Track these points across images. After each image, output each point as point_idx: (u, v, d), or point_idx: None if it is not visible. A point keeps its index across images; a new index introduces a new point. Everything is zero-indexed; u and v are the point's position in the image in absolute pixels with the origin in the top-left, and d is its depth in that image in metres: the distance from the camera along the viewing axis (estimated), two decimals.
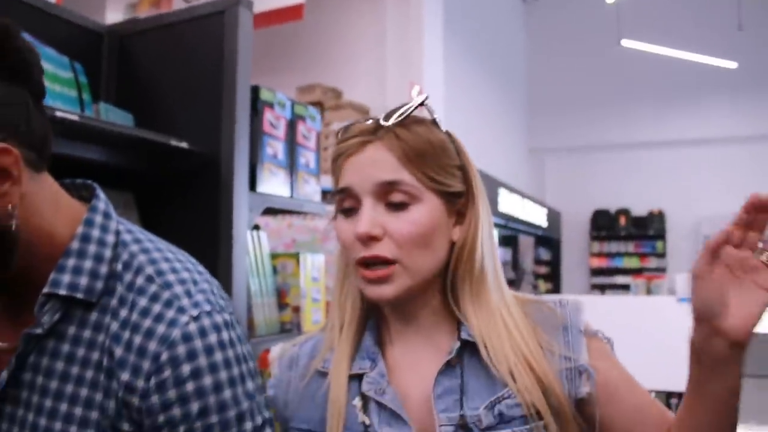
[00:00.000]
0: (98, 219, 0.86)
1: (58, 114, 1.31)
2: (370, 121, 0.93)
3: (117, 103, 1.75)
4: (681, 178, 11.52)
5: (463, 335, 0.91)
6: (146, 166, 1.69)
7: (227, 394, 0.80)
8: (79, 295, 0.81)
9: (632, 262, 11.99)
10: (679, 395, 5.90)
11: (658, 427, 0.91)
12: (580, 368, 0.91)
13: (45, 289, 0.80)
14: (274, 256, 1.89)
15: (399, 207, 0.89)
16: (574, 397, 0.91)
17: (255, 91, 1.78)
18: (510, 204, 8.32)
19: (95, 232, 0.85)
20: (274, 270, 1.87)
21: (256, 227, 1.89)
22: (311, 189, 1.99)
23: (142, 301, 0.81)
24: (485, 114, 8.53)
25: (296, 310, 1.85)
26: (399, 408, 0.89)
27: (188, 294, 0.83)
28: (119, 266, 0.84)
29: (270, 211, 1.99)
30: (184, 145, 1.61)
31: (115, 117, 1.65)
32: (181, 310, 0.80)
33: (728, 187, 11.18)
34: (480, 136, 7.85)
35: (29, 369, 0.81)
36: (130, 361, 0.78)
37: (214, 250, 1.60)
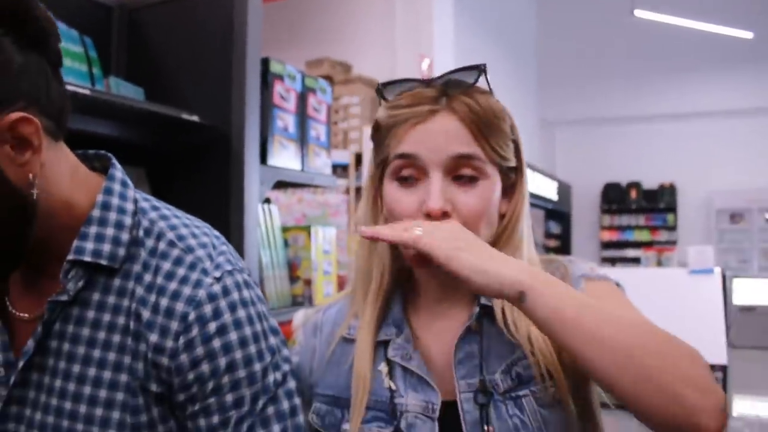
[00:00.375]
0: (117, 187, 0.87)
1: (69, 88, 1.30)
2: (425, 87, 0.90)
3: (127, 77, 1.75)
4: (692, 151, 11.42)
5: (482, 300, 0.91)
6: (157, 140, 1.69)
7: (252, 348, 0.83)
8: (103, 262, 0.82)
9: (643, 235, 11.94)
10: None
11: None
12: None
13: (69, 257, 0.81)
14: (285, 229, 1.90)
15: (468, 181, 0.87)
16: None
17: (265, 63, 1.77)
18: None
19: (115, 200, 0.86)
20: (286, 243, 1.88)
21: (267, 200, 1.90)
22: (322, 162, 2.00)
23: (166, 265, 0.84)
24: (495, 86, 8.39)
25: (308, 283, 1.86)
26: (425, 373, 0.90)
27: (210, 257, 0.85)
28: (140, 233, 0.86)
29: (280, 185, 1.99)
30: (195, 118, 1.61)
31: (125, 91, 1.65)
32: (205, 272, 0.83)
33: (740, 160, 11.08)
34: None
35: (55, 336, 0.83)
36: (158, 323, 0.81)
37: (225, 223, 1.61)
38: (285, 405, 0.86)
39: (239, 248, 1.60)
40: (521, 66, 10.40)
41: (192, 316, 0.80)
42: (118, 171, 0.89)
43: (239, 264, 0.88)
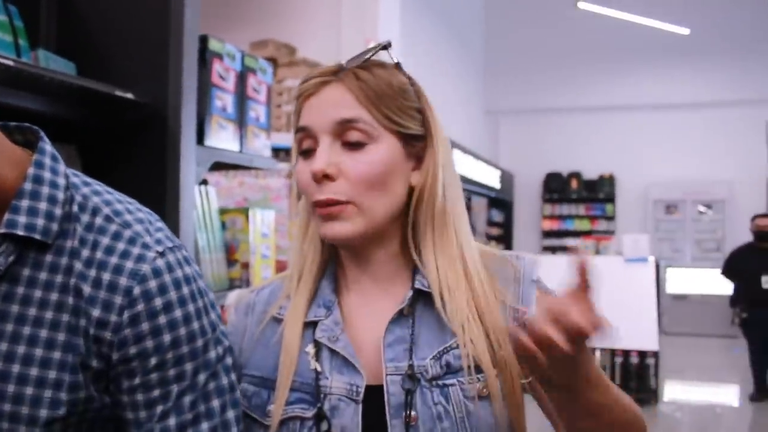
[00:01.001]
0: (48, 161, 0.84)
1: None
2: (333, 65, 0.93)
3: (57, 51, 1.68)
4: (632, 143, 11.72)
5: (417, 284, 0.91)
6: (90, 117, 1.63)
7: (195, 325, 0.83)
8: (37, 236, 0.79)
9: (583, 225, 12.22)
10: (624, 353, 6.05)
11: None
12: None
13: (1, 230, 0.78)
14: (223, 212, 1.86)
15: (355, 146, 0.89)
16: None
17: (203, 41, 1.72)
18: (463, 165, 8.36)
19: (47, 174, 0.83)
20: (223, 226, 1.85)
21: (204, 182, 1.86)
22: (261, 144, 1.96)
23: (105, 240, 0.82)
24: (441, 74, 8.49)
25: (245, 266, 1.83)
26: (351, 355, 0.89)
27: (148, 232, 0.84)
28: (75, 208, 0.83)
29: (220, 167, 1.95)
30: (129, 95, 1.56)
31: (55, 65, 1.58)
32: (146, 246, 0.82)
33: (676, 153, 11.43)
34: (436, 96, 7.72)
35: None
36: (100, 298, 0.79)
37: (160, 204, 1.56)
38: (224, 380, 0.86)
39: (175, 230, 1.56)
40: (468, 55, 10.47)
41: (137, 290, 0.79)
42: (48, 145, 0.85)
43: (177, 241, 0.87)
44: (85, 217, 0.83)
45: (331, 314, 0.93)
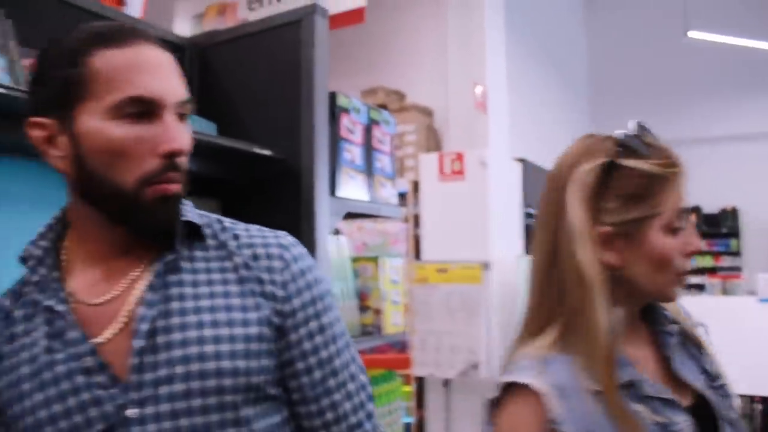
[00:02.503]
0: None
1: None
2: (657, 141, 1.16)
3: (200, 113, 1.81)
4: (755, 173, 11.09)
5: (666, 327, 1.11)
6: (231, 173, 1.73)
7: (325, 285, 1.03)
8: (206, 230, 1.00)
9: (705, 262, 11.61)
10: (763, 399, 5.64)
11: None
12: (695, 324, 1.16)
13: (183, 218, 0.97)
14: (354, 260, 1.92)
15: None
16: None
17: (332, 97, 1.80)
18: None
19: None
20: (355, 273, 1.90)
21: (337, 231, 1.92)
22: (387, 192, 2.01)
23: (239, 231, 1.02)
24: (548, 113, 8.41)
25: (377, 312, 1.87)
26: (670, 395, 1.01)
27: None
28: (205, 219, 1.03)
29: (347, 216, 2.01)
30: (266, 152, 1.65)
31: (199, 127, 1.70)
32: (270, 230, 1.04)
33: None
34: (544, 133, 7.74)
35: (175, 298, 0.93)
36: (263, 266, 0.98)
37: None
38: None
39: None
40: (574, 90, 10.33)
41: (287, 255, 0.99)
42: None
43: None
44: (216, 225, 1.03)
45: (636, 371, 1.02)
